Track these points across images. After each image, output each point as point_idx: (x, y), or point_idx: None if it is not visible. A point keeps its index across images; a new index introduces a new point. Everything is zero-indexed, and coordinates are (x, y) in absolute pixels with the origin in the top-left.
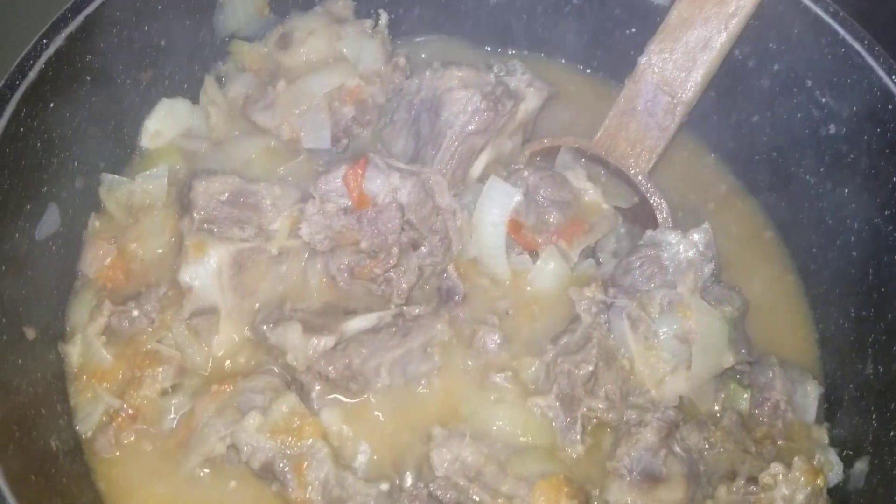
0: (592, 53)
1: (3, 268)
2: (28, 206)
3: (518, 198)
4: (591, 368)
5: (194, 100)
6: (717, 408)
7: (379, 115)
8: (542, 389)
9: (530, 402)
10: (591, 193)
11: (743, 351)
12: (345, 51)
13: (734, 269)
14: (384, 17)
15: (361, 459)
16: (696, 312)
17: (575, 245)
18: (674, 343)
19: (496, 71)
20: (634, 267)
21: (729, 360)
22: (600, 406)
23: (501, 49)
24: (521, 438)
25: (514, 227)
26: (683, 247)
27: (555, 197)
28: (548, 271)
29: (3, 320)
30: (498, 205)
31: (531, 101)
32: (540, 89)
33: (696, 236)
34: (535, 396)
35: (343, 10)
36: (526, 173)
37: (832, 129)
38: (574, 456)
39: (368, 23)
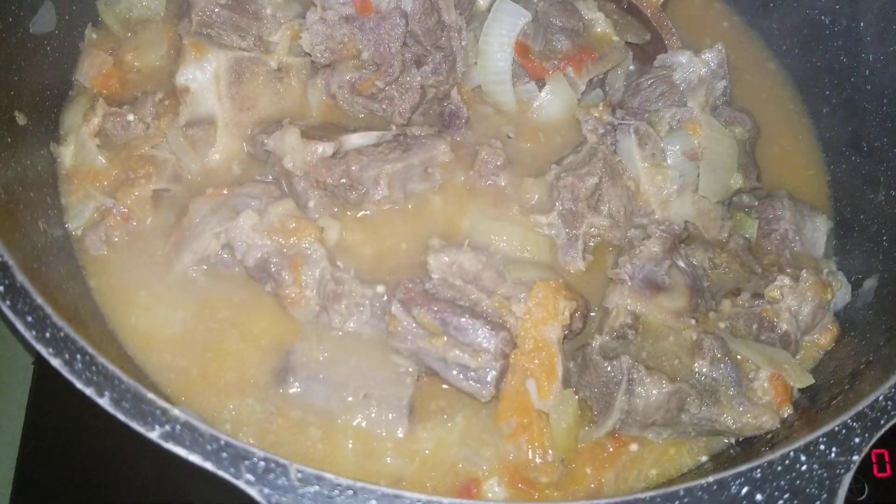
0: None
1: None
2: None
3: (526, 19)
4: (595, 181)
5: None
6: (723, 234)
7: None
8: (544, 208)
9: (532, 219)
10: (602, 24)
11: (752, 176)
12: None
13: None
14: None
15: (358, 267)
16: (706, 128)
17: (583, 73)
18: (681, 161)
19: None
20: (644, 87)
21: (738, 181)
22: (603, 223)
23: None
24: (520, 254)
25: (522, 50)
26: (695, 65)
27: (564, 24)
28: (554, 99)
29: None
30: (506, 25)
31: None
32: None
33: (708, 55)
34: (537, 213)
35: None
36: None
37: None
38: (573, 271)
39: None
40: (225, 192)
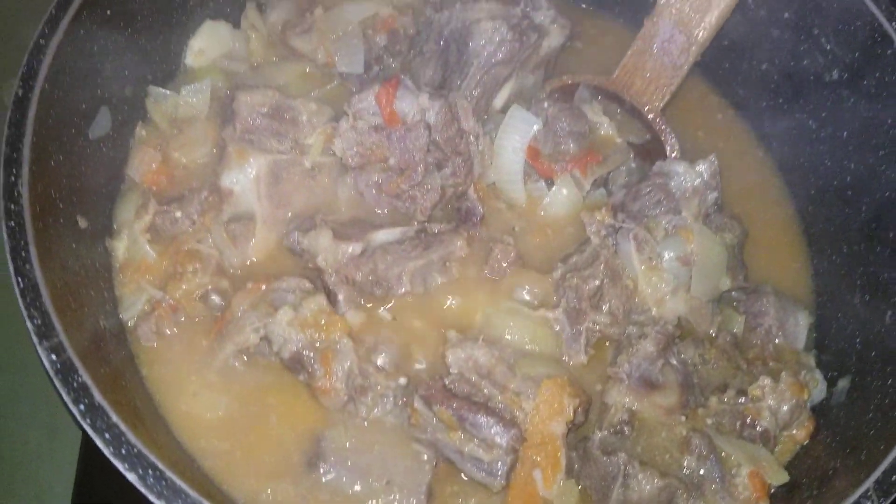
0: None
1: (61, 158)
2: (83, 106)
3: (537, 126)
4: (597, 283)
5: (236, 24)
6: (712, 330)
7: (409, 46)
8: (550, 303)
9: (539, 313)
10: (606, 127)
11: (740, 277)
12: None
13: (737, 205)
14: None
15: (382, 358)
16: (698, 237)
17: (588, 174)
18: (675, 265)
19: (522, 6)
20: (643, 193)
21: (726, 283)
22: (604, 320)
23: None
24: (529, 346)
25: (533, 154)
26: (690, 176)
27: (572, 128)
28: (562, 197)
29: (61, 206)
30: (518, 132)
31: (554, 37)
32: (563, 26)
33: (702, 167)
34: (544, 309)
35: None
36: (546, 104)
37: (835, 74)
38: (574, 364)
39: None
40: (263, 287)
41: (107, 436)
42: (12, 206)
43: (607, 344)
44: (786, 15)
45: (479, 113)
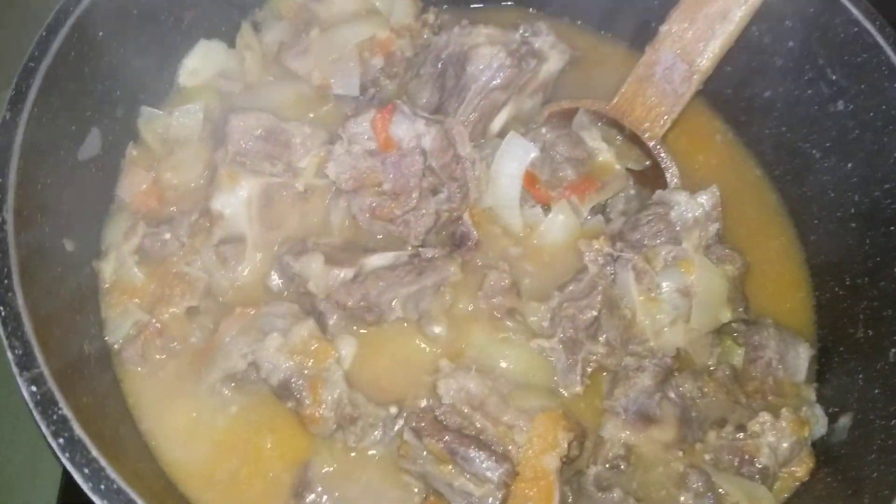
0: (615, 20)
1: (49, 181)
2: (73, 127)
3: (535, 153)
4: (594, 314)
5: (231, 43)
6: (711, 362)
7: (406, 69)
8: (546, 332)
9: (534, 343)
10: (605, 154)
11: (740, 309)
12: (377, 4)
13: (739, 235)
14: None
15: (372, 387)
16: (699, 268)
17: (586, 201)
18: (675, 296)
19: (522, 31)
20: (643, 223)
21: (726, 315)
22: (601, 351)
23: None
24: (524, 377)
25: (530, 180)
26: (691, 206)
27: (570, 154)
28: (558, 223)
29: (47, 230)
30: (515, 158)
31: (553, 62)
32: (562, 52)
33: (703, 198)
34: (539, 338)
35: None
36: (544, 130)
37: (840, 105)
38: (569, 395)
39: None
40: (252, 312)
41: (86, 471)
42: None
43: (604, 374)
44: (790, 44)
45: (475, 137)
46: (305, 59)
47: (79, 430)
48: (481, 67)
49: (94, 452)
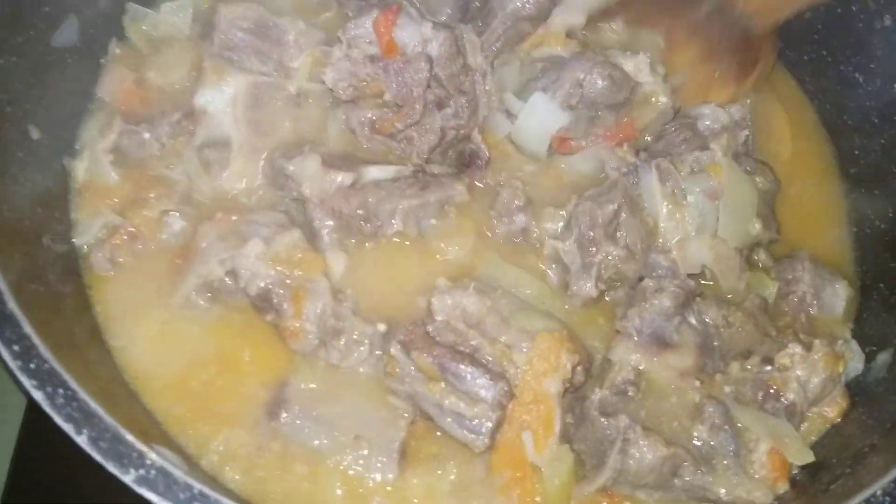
0: None
1: (14, 59)
2: (46, 9)
3: (564, 123)
4: (613, 207)
5: None
6: (741, 286)
7: None
8: (561, 236)
9: (548, 244)
10: (650, 85)
11: (772, 229)
12: None
13: (778, 168)
14: None
15: (361, 304)
16: (727, 171)
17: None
18: (701, 199)
19: None
20: (669, 132)
21: (756, 227)
22: (620, 253)
23: None
24: (529, 300)
25: (561, 141)
26: (720, 116)
27: (610, 101)
28: (589, 157)
29: (9, 109)
30: (543, 126)
31: None
32: None
33: (732, 108)
34: (553, 240)
35: None
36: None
37: (887, 20)
38: (581, 303)
39: None
40: (234, 217)
41: (15, 347)
42: None
43: (618, 284)
44: None
45: (487, 50)
46: None
47: (12, 306)
48: None
49: (27, 329)
